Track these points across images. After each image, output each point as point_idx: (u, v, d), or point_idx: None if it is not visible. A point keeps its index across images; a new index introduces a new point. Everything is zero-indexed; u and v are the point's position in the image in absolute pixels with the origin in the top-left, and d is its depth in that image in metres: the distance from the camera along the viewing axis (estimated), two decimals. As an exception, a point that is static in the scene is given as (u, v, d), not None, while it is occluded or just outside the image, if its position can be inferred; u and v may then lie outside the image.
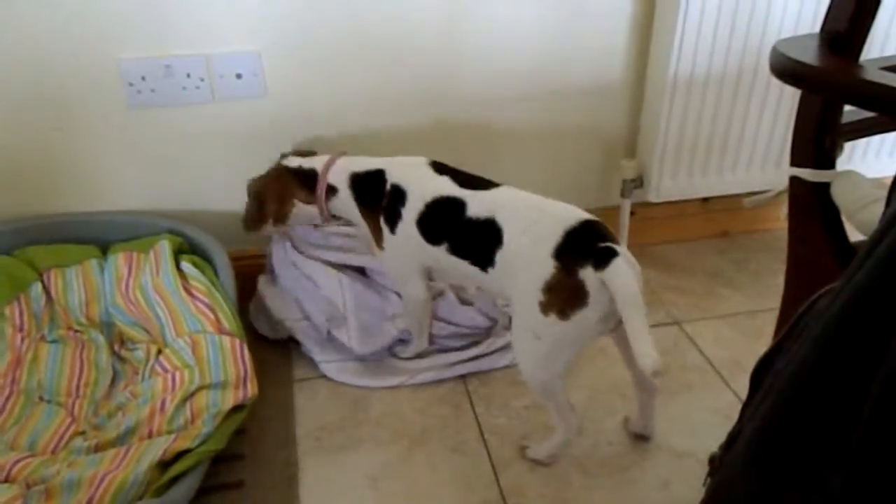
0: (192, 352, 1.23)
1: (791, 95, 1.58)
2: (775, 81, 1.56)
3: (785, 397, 0.48)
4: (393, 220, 1.26)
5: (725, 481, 0.56)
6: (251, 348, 1.26)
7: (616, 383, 1.35)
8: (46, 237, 1.45)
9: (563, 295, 1.04)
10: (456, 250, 1.21)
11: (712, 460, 0.68)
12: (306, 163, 1.37)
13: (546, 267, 1.05)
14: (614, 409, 1.34)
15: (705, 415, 1.33)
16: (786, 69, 0.88)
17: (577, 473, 1.21)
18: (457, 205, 1.19)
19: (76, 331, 1.37)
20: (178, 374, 1.20)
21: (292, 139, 1.53)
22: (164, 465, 1.05)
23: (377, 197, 1.28)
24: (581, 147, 1.71)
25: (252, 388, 1.19)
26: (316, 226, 1.51)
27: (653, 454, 1.25)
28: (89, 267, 1.42)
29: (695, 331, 1.56)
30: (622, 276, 1.00)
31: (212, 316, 1.29)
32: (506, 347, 1.46)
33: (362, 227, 1.36)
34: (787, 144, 1.60)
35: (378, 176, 1.29)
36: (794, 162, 1.02)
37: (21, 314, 1.34)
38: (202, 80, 1.41)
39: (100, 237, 1.48)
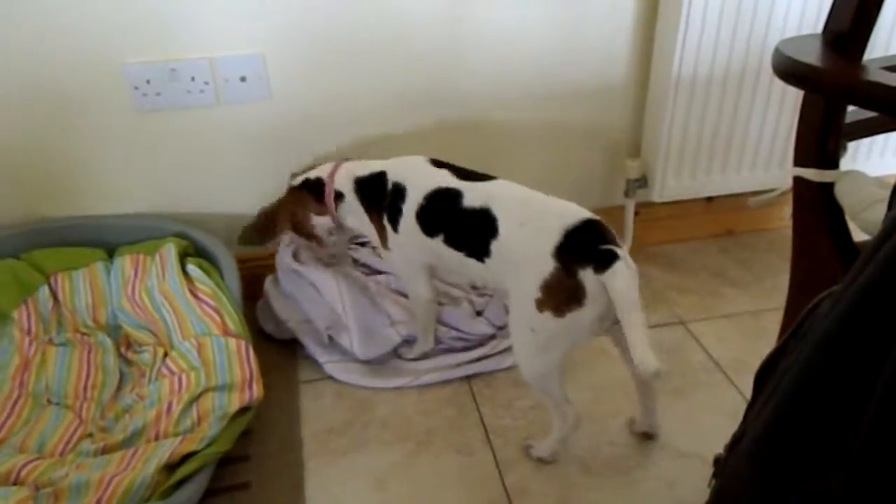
0: (198, 354, 1.24)
1: (794, 95, 1.58)
2: (778, 81, 1.56)
3: (788, 399, 0.48)
4: (395, 218, 1.28)
5: (729, 482, 0.56)
6: (257, 350, 1.27)
7: (620, 384, 1.35)
8: (53, 240, 1.46)
9: (561, 294, 1.05)
10: (451, 241, 1.22)
11: (717, 461, 0.68)
12: (312, 173, 1.40)
13: (545, 266, 1.06)
14: (619, 410, 1.34)
15: (710, 415, 1.33)
16: (788, 70, 0.88)
17: (582, 474, 1.21)
18: (453, 195, 1.21)
19: (83, 334, 1.37)
20: (184, 377, 1.21)
21: (297, 141, 1.54)
22: (170, 467, 1.06)
23: (380, 197, 1.30)
24: (585, 147, 1.71)
25: (258, 390, 1.20)
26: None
27: (657, 454, 1.26)
28: (96, 270, 1.43)
29: (699, 330, 1.56)
30: (622, 280, 1.01)
31: (217, 318, 1.29)
32: (510, 349, 1.46)
33: (369, 231, 1.37)
34: (790, 144, 1.60)
35: (380, 177, 1.31)
36: (798, 162, 1.02)
37: (28, 317, 1.35)
38: (207, 83, 1.42)
39: (106, 240, 1.49)
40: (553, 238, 1.06)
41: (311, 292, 1.48)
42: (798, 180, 1.03)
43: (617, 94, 1.65)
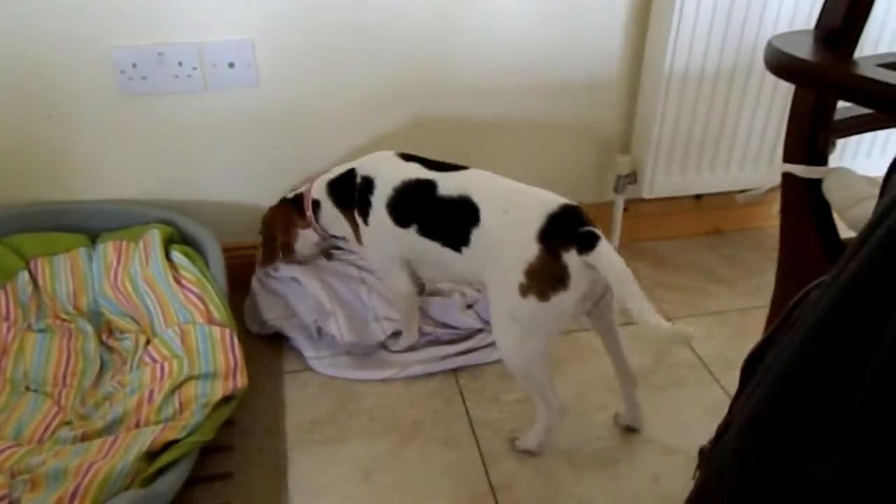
0: (182, 342, 1.22)
1: (784, 93, 1.59)
2: (769, 79, 1.57)
3: (776, 388, 0.48)
4: (365, 211, 1.29)
5: (715, 472, 0.56)
6: (241, 339, 1.26)
7: (605, 379, 1.35)
8: (34, 225, 1.43)
9: (545, 278, 1.06)
10: (426, 231, 1.22)
11: (702, 452, 0.68)
12: (297, 189, 1.45)
13: (529, 250, 1.07)
14: (604, 405, 1.34)
15: (694, 410, 1.33)
16: (781, 64, 0.89)
17: (567, 467, 1.21)
18: (426, 186, 1.22)
19: (63, 320, 1.35)
20: (166, 365, 1.19)
21: (285, 129, 1.53)
22: (151, 455, 1.04)
23: (350, 194, 1.32)
24: (575, 142, 1.71)
25: (242, 379, 1.18)
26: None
27: (642, 449, 1.26)
28: (77, 256, 1.41)
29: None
30: (610, 256, 1.03)
31: (202, 306, 1.28)
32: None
33: (347, 231, 1.38)
34: (779, 143, 1.61)
35: (349, 175, 1.33)
36: (787, 158, 1.03)
37: (7, 303, 1.32)
38: (194, 68, 1.40)
39: (89, 226, 1.47)
40: (536, 223, 1.07)
41: (296, 287, 1.48)
42: (787, 176, 1.03)
43: (608, 89, 1.65)
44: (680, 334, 1.06)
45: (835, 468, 0.42)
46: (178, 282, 1.32)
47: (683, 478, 1.17)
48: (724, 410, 0.65)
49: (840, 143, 1.69)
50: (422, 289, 1.46)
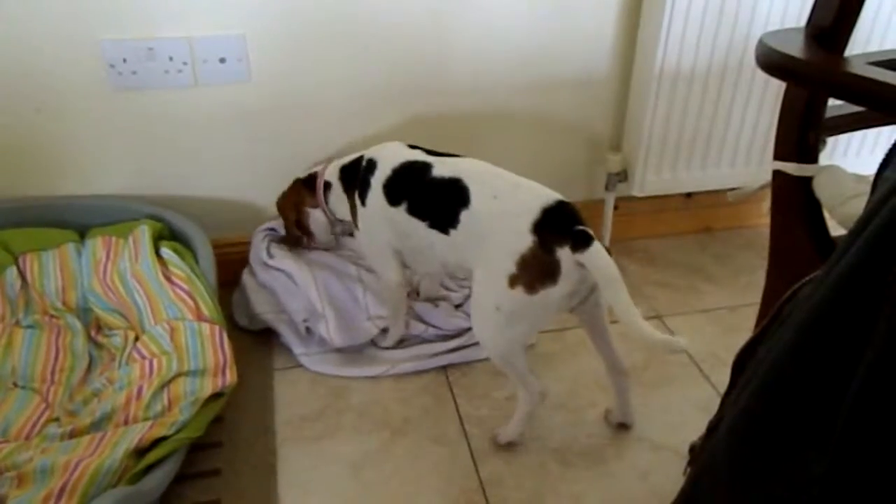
0: (171, 338, 1.21)
1: (775, 92, 1.60)
2: (760, 78, 1.58)
3: (768, 383, 0.48)
4: (364, 192, 1.30)
5: (707, 468, 0.56)
6: (231, 336, 1.25)
7: (597, 376, 1.35)
8: (23, 220, 1.42)
9: (536, 270, 1.07)
10: (415, 210, 1.22)
11: (692, 449, 0.68)
12: (311, 170, 1.46)
13: (523, 241, 1.07)
14: (595, 402, 1.34)
15: (684, 408, 1.34)
16: (772, 61, 0.89)
17: (557, 465, 1.21)
18: (421, 167, 1.23)
19: (52, 316, 1.34)
20: (155, 361, 1.18)
21: (276, 125, 1.52)
22: (140, 452, 1.03)
23: (355, 176, 1.34)
24: (566, 140, 1.71)
25: (231, 376, 1.18)
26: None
27: (632, 446, 1.26)
28: (66, 251, 1.40)
29: (676, 325, 1.57)
30: (603, 258, 1.04)
31: (191, 302, 1.27)
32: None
33: (348, 214, 1.38)
34: (769, 141, 1.61)
35: (358, 160, 1.35)
36: (778, 156, 1.03)
37: (-5, 298, 1.31)
38: (185, 63, 1.39)
39: (78, 221, 1.45)
40: (531, 215, 1.08)
41: (288, 284, 1.47)
42: (777, 174, 1.03)
43: (599, 87, 1.65)
44: (672, 345, 1.06)
45: (828, 461, 0.42)
46: (167, 278, 1.31)
47: (674, 474, 1.18)
48: (715, 407, 0.65)
49: (830, 141, 1.70)
50: (413, 290, 1.47)
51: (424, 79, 1.55)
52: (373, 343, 1.45)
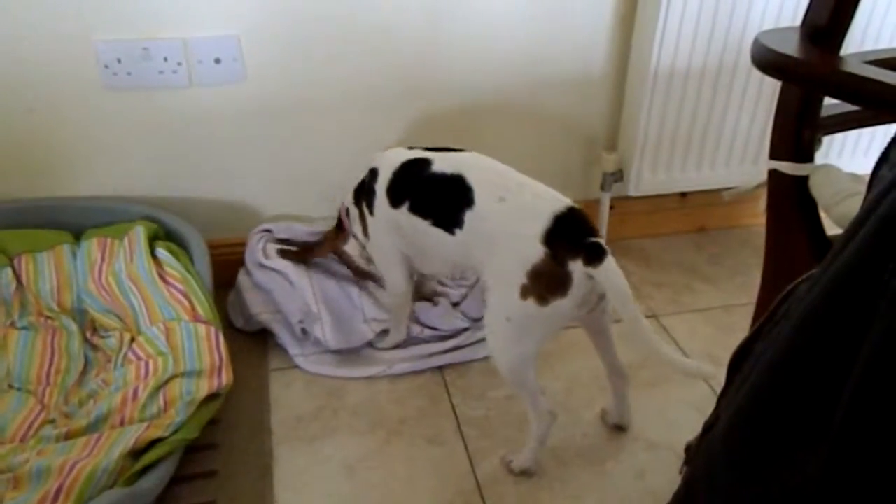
0: (166, 339, 1.21)
1: (771, 90, 1.60)
2: (755, 76, 1.58)
3: (764, 381, 0.48)
4: (370, 200, 1.29)
5: (703, 467, 0.56)
6: (227, 337, 1.25)
7: (595, 376, 1.35)
8: (18, 222, 1.42)
9: (547, 282, 1.04)
10: (417, 208, 1.20)
11: (688, 449, 0.68)
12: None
13: (534, 250, 1.04)
14: (592, 402, 1.34)
15: (680, 407, 1.34)
16: (767, 60, 0.89)
17: (554, 464, 1.21)
18: (420, 163, 1.21)
19: (47, 317, 1.33)
20: (151, 362, 1.18)
21: (270, 126, 1.51)
22: (135, 453, 1.03)
23: (361, 187, 1.33)
24: (562, 140, 1.71)
25: (227, 377, 1.17)
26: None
27: (629, 446, 1.26)
28: (61, 252, 1.39)
29: (671, 324, 1.57)
30: (615, 275, 1.02)
31: (186, 303, 1.27)
32: (483, 340, 1.45)
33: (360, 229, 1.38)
34: (764, 141, 1.62)
35: (367, 173, 1.32)
36: (774, 155, 1.03)
37: (-10, 300, 1.31)
38: (180, 64, 1.39)
39: (73, 223, 1.45)
40: (541, 221, 1.04)
41: (283, 284, 1.46)
42: (773, 173, 1.04)
43: (595, 86, 1.65)
44: (697, 372, 1.06)
45: (823, 461, 0.42)
46: (163, 279, 1.31)
47: (670, 474, 1.18)
48: (710, 407, 0.65)
49: (826, 140, 1.69)
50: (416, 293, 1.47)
51: (420, 79, 1.54)
52: (370, 344, 1.45)
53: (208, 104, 1.45)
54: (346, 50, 1.47)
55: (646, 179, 1.68)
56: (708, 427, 0.61)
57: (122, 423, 1.09)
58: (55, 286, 1.37)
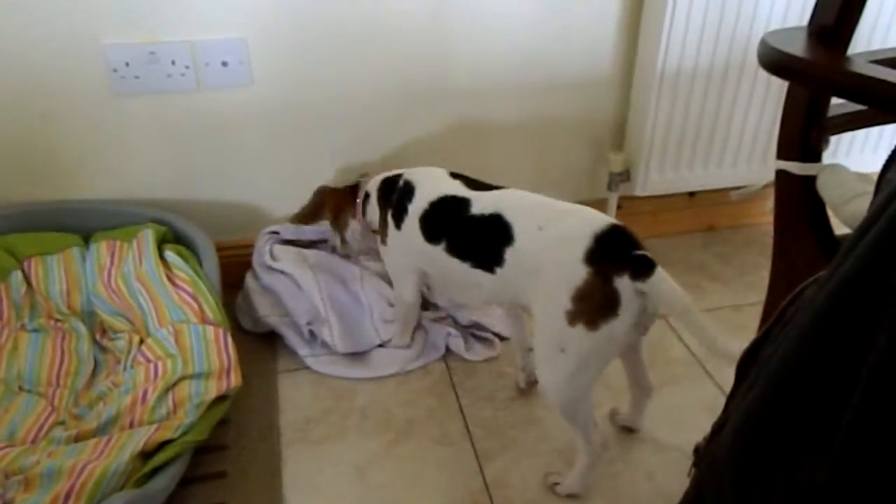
0: (175, 341, 1.22)
1: (778, 90, 1.59)
2: (762, 76, 1.58)
3: (772, 386, 0.48)
4: (399, 217, 1.27)
5: (711, 470, 0.56)
6: (235, 338, 1.25)
7: (603, 376, 1.35)
8: (28, 225, 1.42)
9: (594, 304, 0.98)
10: (455, 249, 1.17)
11: (697, 450, 0.68)
12: (357, 181, 1.45)
13: (577, 272, 0.99)
14: (600, 402, 1.34)
15: (689, 408, 1.33)
16: (774, 61, 0.89)
17: (562, 466, 1.21)
18: (460, 203, 1.18)
19: (57, 320, 1.34)
20: (160, 364, 1.18)
21: (278, 128, 1.52)
22: (145, 455, 1.04)
23: (391, 194, 1.31)
24: (569, 140, 1.71)
25: (236, 379, 1.18)
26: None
27: (637, 447, 1.26)
28: (71, 255, 1.40)
29: (680, 324, 1.57)
30: (668, 285, 0.97)
31: (195, 306, 1.27)
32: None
33: (379, 226, 1.37)
34: (773, 139, 1.61)
35: (397, 178, 1.32)
36: (781, 155, 1.03)
37: (0, 303, 1.31)
38: (187, 67, 1.39)
39: (82, 226, 1.46)
40: (582, 243, 1.00)
41: (291, 287, 1.47)
42: (780, 173, 1.03)
43: (601, 87, 1.65)
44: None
45: (830, 468, 0.42)
46: (171, 281, 1.32)
47: (679, 475, 1.17)
48: (719, 407, 0.65)
49: (833, 140, 1.68)
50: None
51: (426, 80, 1.55)
52: (380, 345, 1.45)
53: (216, 107, 1.46)
54: (352, 52, 1.48)
55: (653, 179, 1.68)
56: (717, 429, 0.61)
57: (131, 425, 1.09)
58: (65, 289, 1.37)
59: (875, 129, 1.72)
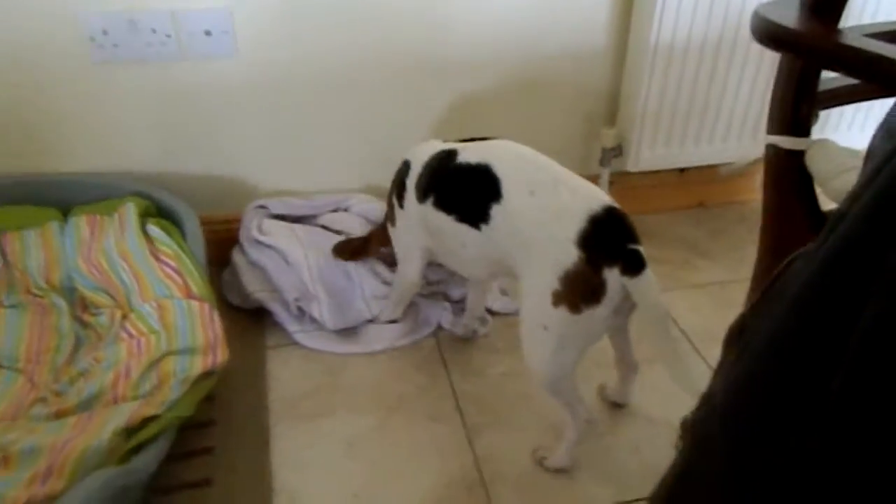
0: (159, 317, 1.20)
1: (769, 65, 1.58)
2: (754, 52, 1.56)
3: (760, 357, 0.48)
4: (401, 195, 1.26)
5: (699, 443, 0.56)
6: (223, 314, 1.24)
7: (592, 352, 1.34)
8: (5, 199, 1.40)
9: (580, 290, 0.98)
10: (442, 203, 1.15)
11: (684, 424, 0.68)
12: None
13: (567, 254, 0.97)
14: (590, 377, 1.33)
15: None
16: (766, 32, 0.87)
17: (551, 441, 1.21)
18: (447, 155, 1.16)
19: (36, 295, 1.32)
20: (143, 340, 1.17)
21: (262, 100, 1.49)
22: (129, 431, 1.02)
23: (394, 179, 1.30)
24: (561, 115, 1.69)
25: (222, 354, 1.16)
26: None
27: (625, 420, 1.26)
28: (49, 230, 1.38)
29: (671, 300, 1.56)
30: (652, 291, 0.97)
31: (180, 280, 1.26)
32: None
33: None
34: (762, 116, 1.60)
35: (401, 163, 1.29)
36: (771, 129, 1.02)
37: (-23, 278, 1.29)
38: (168, 36, 1.36)
39: (62, 199, 1.43)
40: (576, 222, 0.98)
41: (279, 262, 1.45)
42: (770, 148, 1.02)
43: (594, 61, 1.63)
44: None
45: (821, 436, 0.42)
46: (155, 256, 1.30)
47: (666, 448, 1.18)
48: (706, 383, 0.65)
49: (823, 115, 1.67)
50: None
51: (417, 54, 1.52)
52: (369, 321, 1.44)
53: (200, 77, 1.43)
54: (340, 24, 1.44)
55: (645, 155, 1.67)
56: (703, 402, 0.61)
57: (115, 401, 1.08)
58: (43, 263, 1.35)
59: (864, 106, 1.71)
